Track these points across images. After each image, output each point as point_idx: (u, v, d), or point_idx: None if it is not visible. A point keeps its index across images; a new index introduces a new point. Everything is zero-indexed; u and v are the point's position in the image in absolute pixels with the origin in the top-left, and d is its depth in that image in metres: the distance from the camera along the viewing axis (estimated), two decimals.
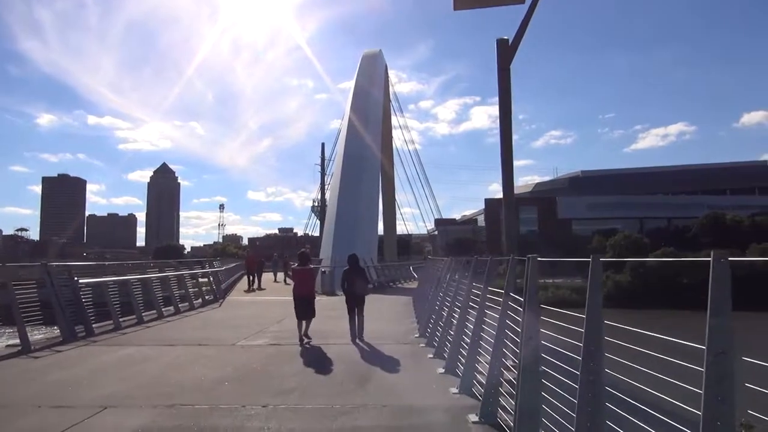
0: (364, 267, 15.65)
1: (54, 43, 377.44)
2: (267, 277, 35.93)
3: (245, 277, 33.12)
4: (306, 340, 12.16)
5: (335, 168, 45.56)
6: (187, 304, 19.49)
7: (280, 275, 36.74)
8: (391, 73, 70.48)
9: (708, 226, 79.54)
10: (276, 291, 28.86)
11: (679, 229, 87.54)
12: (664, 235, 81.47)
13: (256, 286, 30.92)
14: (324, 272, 28.48)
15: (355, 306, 12.73)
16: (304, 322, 12.39)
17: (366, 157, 41.82)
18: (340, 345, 11.90)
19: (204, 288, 22.61)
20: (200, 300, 21.38)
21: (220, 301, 23.23)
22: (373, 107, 46.78)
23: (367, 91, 47.55)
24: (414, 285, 31.13)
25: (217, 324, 15.92)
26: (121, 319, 14.92)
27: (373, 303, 16.20)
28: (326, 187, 53.03)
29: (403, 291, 29.72)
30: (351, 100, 47.40)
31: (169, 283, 18.48)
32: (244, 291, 29.10)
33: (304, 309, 12.44)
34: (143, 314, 16.10)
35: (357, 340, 12.24)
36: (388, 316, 17.37)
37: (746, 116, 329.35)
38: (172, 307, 18.18)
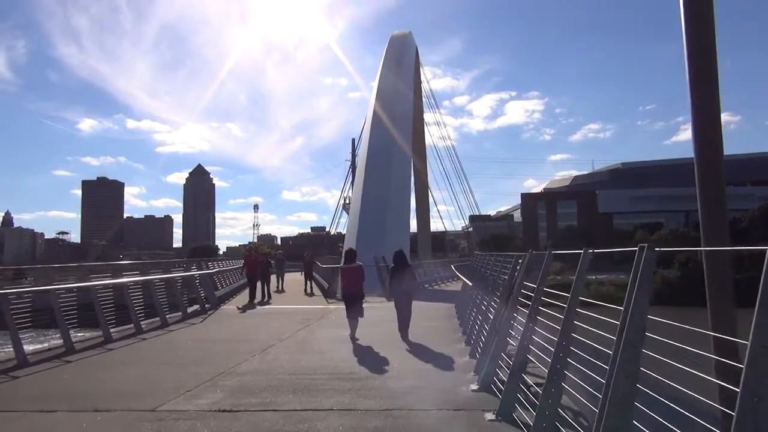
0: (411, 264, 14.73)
1: (91, 49, 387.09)
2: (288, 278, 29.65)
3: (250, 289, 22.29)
4: (355, 341, 11.71)
5: (359, 161, 43.07)
6: (158, 319, 14.67)
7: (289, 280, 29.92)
8: (426, 70, 68.59)
9: (760, 218, 75.83)
10: (289, 299, 23.42)
11: (728, 222, 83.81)
12: None
13: (261, 297, 22.28)
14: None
15: (403, 304, 12.43)
16: (352, 322, 12.14)
17: (393, 149, 39.35)
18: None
19: (185, 297, 17.48)
20: (180, 313, 16.32)
21: (210, 312, 17.90)
22: (401, 96, 43.40)
23: (394, 77, 43.78)
24: (453, 287, 28.62)
25: (167, 357, 10.50)
26: (30, 348, 10.51)
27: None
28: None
29: (442, 295, 23.55)
30: (377, 87, 43.89)
31: (128, 292, 13.62)
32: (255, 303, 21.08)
33: (353, 306, 12.34)
34: (78, 337, 11.81)
35: (405, 338, 11.92)
36: (424, 336, 12.01)
37: None
38: (132, 325, 13.35)
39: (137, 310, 13.73)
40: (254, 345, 11.21)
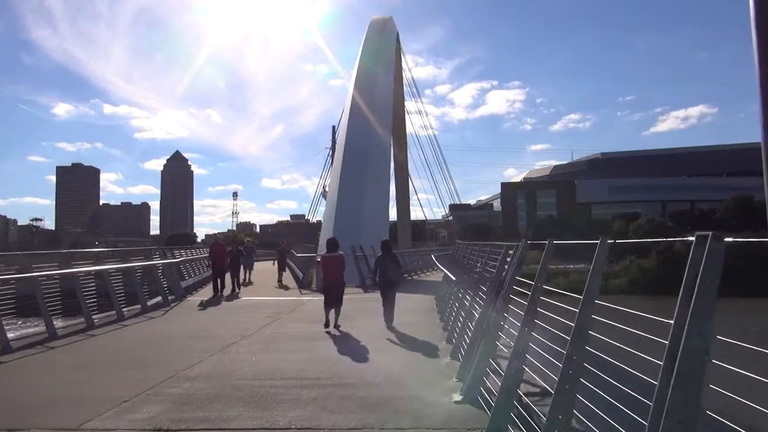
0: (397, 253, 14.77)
1: (66, 32, 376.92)
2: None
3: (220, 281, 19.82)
4: (336, 327, 11.79)
5: (337, 148, 41.60)
6: (113, 312, 13.40)
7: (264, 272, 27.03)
8: (408, 58, 67.33)
9: (734, 208, 76.42)
10: (260, 291, 21.71)
11: (703, 212, 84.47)
12: (688, 218, 78.48)
13: (231, 289, 19.90)
14: (320, 262, 24.36)
15: (389, 293, 12.55)
16: (332, 311, 11.99)
17: (372, 136, 38.04)
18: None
19: (146, 288, 16.02)
20: (139, 306, 15.00)
21: (173, 305, 16.54)
22: (381, 82, 42.08)
23: (374, 62, 42.39)
24: (433, 277, 27.58)
25: (113, 357, 9.33)
26: None
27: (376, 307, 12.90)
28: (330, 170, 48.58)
29: (422, 287, 21.72)
30: (356, 73, 42.33)
31: (78, 283, 12.39)
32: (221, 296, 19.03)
33: (333, 295, 12.14)
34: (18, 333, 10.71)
35: (389, 325, 12.07)
36: (401, 333, 11.13)
37: None
38: (83, 319, 12.16)
39: (89, 302, 12.52)
40: (214, 343, 10.10)
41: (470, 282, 8.38)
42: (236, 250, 21.71)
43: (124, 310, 14.13)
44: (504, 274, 6.23)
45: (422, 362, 8.34)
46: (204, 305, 16.76)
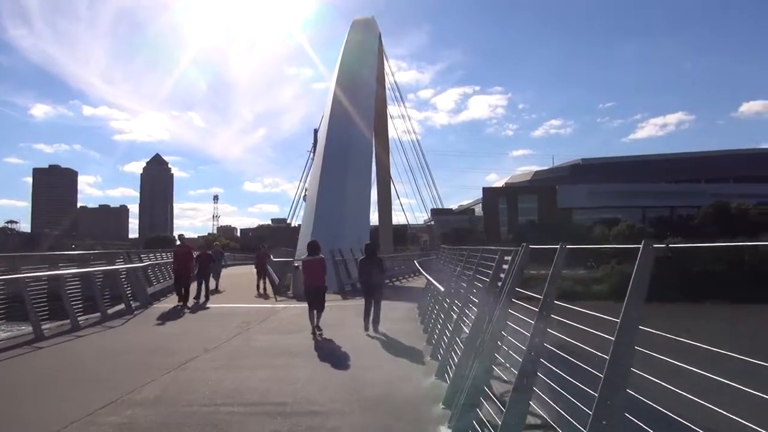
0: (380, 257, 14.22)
1: (43, 31, 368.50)
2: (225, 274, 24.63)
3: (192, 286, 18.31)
4: (318, 332, 11.63)
5: (317, 150, 40.43)
6: (68, 321, 12.20)
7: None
8: (391, 63, 66.55)
9: (713, 214, 77.01)
10: (233, 298, 20.00)
11: (683, 218, 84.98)
12: (668, 224, 78.81)
13: (199, 297, 18.09)
14: (297, 268, 23.03)
15: (371, 296, 12.38)
16: (315, 312, 11.94)
17: (353, 138, 37.08)
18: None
19: (107, 294, 14.86)
20: (98, 314, 13.73)
21: (137, 312, 15.34)
22: (363, 82, 41.23)
23: (356, 62, 41.46)
24: (415, 283, 26.56)
25: (55, 375, 8.16)
26: None
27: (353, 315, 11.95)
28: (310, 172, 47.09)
29: (404, 294, 20.74)
30: (337, 72, 41.19)
31: (26, 289, 11.15)
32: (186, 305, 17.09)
33: (315, 299, 12.08)
34: None
35: (372, 331, 11.93)
36: (382, 346, 10.36)
37: (745, 105, 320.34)
38: (31, 329, 11.04)
39: (39, 310, 11.38)
40: (173, 358, 9.05)
41: (459, 293, 7.44)
42: (205, 254, 19.75)
43: (81, 318, 12.98)
44: (503, 285, 5.31)
45: (404, 382, 7.37)
46: (169, 314, 15.53)
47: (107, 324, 13.27)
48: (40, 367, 8.82)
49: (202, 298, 18.19)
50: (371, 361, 9.00)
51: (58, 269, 13.57)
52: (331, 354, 9.61)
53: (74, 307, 12.74)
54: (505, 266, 5.77)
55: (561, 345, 3.93)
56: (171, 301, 18.24)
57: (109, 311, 14.53)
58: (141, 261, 19.31)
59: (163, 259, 22.55)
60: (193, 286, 18.26)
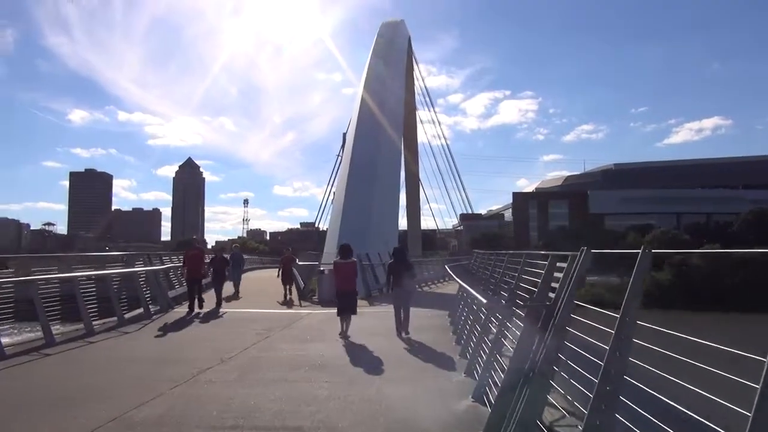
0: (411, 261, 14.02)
1: (81, 39, 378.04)
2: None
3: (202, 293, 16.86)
4: (348, 338, 11.46)
5: (345, 153, 39.72)
6: (82, 326, 11.54)
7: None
8: (421, 67, 65.96)
9: (752, 221, 74.27)
10: (255, 303, 19.29)
11: (719, 225, 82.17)
12: (704, 231, 76.31)
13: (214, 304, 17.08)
14: (323, 272, 21.06)
15: (401, 301, 12.26)
16: (345, 317, 11.85)
17: (382, 141, 36.42)
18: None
19: (124, 298, 14.29)
20: (115, 318, 13.28)
21: (155, 317, 14.77)
22: (392, 85, 40.42)
23: (385, 65, 40.80)
24: (445, 289, 25.62)
25: (56, 386, 7.56)
26: None
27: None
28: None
29: (434, 300, 19.10)
30: (365, 76, 40.49)
31: (37, 293, 10.56)
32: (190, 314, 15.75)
33: (346, 305, 11.92)
34: None
35: (403, 335, 11.79)
36: (412, 359, 9.53)
37: None
38: (41, 334, 10.55)
39: (50, 315, 10.86)
40: (184, 369, 8.37)
41: (501, 303, 6.51)
42: (220, 257, 18.42)
43: (96, 323, 12.48)
44: (559, 298, 4.45)
45: (436, 404, 6.50)
46: (188, 319, 14.90)
47: (123, 329, 12.72)
48: (40, 378, 8.17)
49: (218, 305, 17.16)
50: (400, 374, 8.17)
51: (73, 271, 13.04)
52: (356, 366, 8.82)
53: (89, 310, 12.25)
54: (557, 274, 4.91)
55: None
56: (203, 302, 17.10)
57: (127, 315, 14.01)
58: (162, 263, 18.80)
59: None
60: (211, 293, 17.38)
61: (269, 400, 6.64)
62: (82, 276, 12.56)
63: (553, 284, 4.92)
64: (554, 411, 4.33)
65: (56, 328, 11.16)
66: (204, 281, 17.04)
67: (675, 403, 2.82)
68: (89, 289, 12.65)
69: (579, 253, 4.32)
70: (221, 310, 16.84)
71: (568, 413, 4.02)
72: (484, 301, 6.37)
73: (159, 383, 7.44)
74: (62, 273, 12.49)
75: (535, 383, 4.25)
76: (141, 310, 14.81)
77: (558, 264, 4.97)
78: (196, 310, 15.97)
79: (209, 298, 17.31)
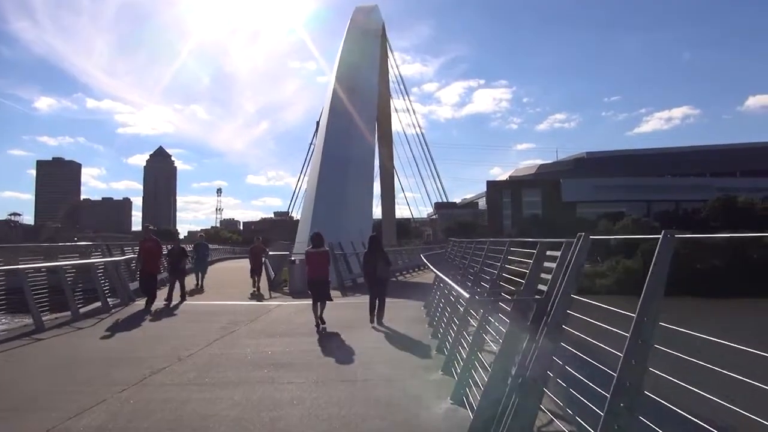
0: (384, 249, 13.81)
1: (46, 24, 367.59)
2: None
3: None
4: (322, 326, 11.43)
5: (317, 141, 38.74)
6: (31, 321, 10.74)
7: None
8: (396, 56, 65.11)
9: (719, 209, 75.55)
10: (222, 294, 18.57)
11: (688, 213, 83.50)
12: (673, 218, 77.41)
13: (168, 298, 15.53)
14: (294, 262, 20.57)
15: (376, 290, 12.22)
16: (319, 304, 11.73)
17: (354, 128, 35.56)
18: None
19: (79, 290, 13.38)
20: (69, 312, 12.42)
21: (114, 311, 13.87)
22: (365, 72, 39.46)
23: (358, 51, 39.91)
24: (420, 278, 25.16)
25: None
26: None
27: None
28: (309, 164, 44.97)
29: (408, 290, 19.33)
30: (338, 61, 39.63)
31: None
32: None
33: (319, 292, 11.86)
34: None
35: (377, 325, 11.70)
36: (385, 353, 8.97)
37: (751, 99, 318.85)
38: None
39: None
40: (136, 369, 7.63)
41: (486, 300, 5.88)
42: (178, 248, 16.87)
43: (47, 318, 11.59)
44: (553, 291, 3.86)
45: (413, 408, 5.89)
46: (147, 314, 13.86)
47: (77, 324, 11.86)
48: None
49: (177, 300, 15.96)
50: (373, 373, 7.55)
51: (20, 263, 12.01)
52: (327, 363, 8.20)
53: (40, 304, 11.36)
54: (548, 264, 4.34)
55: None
56: (157, 297, 15.85)
57: (83, 309, 13.11)
58: (123, 254, 17.85)
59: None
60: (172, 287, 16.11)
61: (227, 406, 5.96)
62: (29, 268, 11.58)
63: (543, 275, 4.36)
64: (548, 423, 3.77)
65: (1, 326, 10.29)
66: (159, 276, 16.04)
67: (708, 424, 2.26)
68: (39, 282, 11.72)
69: (576, 240, 3.74)
70: (184, 303, 16.01)
71: (566, 427, 3.46)
72: (466, 295, 5.78)
73: (105, 387, 6.71)
74: (6, 265, 11.44)
75: (525, 390, 3.68)
76: (99, 303, 13.90)
77: (548, 253, 4.39)
78: (157, 304, 14.89)
79: (165, 293, 16.06)
